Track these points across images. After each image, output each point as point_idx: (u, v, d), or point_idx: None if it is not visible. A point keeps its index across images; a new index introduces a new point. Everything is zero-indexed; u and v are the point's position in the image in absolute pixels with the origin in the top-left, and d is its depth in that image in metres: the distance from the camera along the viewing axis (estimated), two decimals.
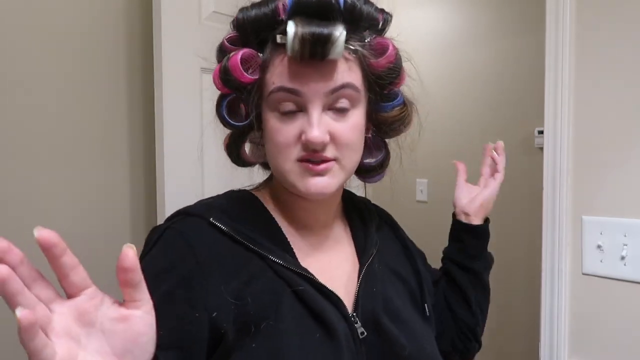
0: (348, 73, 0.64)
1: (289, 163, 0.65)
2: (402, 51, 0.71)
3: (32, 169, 1.11)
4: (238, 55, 0.65)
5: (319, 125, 0.62)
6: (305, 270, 0.66)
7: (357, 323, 0.68)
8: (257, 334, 0.61)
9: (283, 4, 0.63)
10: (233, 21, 0.70)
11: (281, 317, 0.62)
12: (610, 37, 1.09)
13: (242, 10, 0.68)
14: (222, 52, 0.70)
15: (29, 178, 1.11)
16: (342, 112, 0.65)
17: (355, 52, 0.65)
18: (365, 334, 0.68)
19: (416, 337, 0.72)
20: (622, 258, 1.07)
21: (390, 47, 0.68)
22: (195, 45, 1.22)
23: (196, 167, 1.23)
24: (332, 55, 0.61)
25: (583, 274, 1.14)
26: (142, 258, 0.67)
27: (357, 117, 0.67)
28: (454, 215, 0.95)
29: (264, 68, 0.65)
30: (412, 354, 0.69)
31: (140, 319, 0.50)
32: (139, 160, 1.29)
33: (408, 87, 0.76)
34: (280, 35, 0.63)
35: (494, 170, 0.97)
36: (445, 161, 2.56)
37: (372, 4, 0.67)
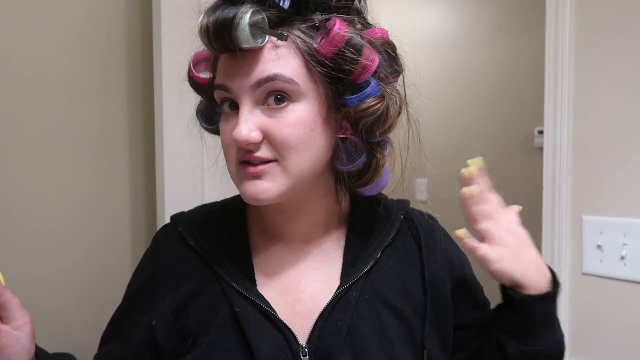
0: (277, 63, 0.56)
1: (232, 165, 0.60)
2: (358, 33, 0.59)
3: (32, 169, 1.11)
4: (194, 56, 0.64)
5: (245, 122, 0.56)
6: (253, 293, 0.62)
7: (305, 356, 0.60)
8: (193, 348, 0.61)
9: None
10: None
11: (216, 336, 0.61)
12: (610, 37, 1.09)
13: (206, 13, 0.61)
14: None
15: (29, 178, 1.11)
16: (276, 107, 0.57)
17: (283, 37, 0.55)
18: None
19: None
20: (622, 258, 1.07)
21: (336, 27, 0.56)
22: (196, 45, 1.22)
23: (196, 167, 1.23)
24: (241, 42, 0.53)
25: (583, 274, 1.14)
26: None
27: (298, 113, 0.57)
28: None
29: (214, 68, 0.61)
30: None
31: (7, 334, 0.60)
32: (139, 160, 1.29)
33: (398, 84, 0.69)
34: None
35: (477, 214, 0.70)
36: (446, 161, 2.56)
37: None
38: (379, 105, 0.60)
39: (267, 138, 0.57)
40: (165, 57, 1.16)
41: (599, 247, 1.10)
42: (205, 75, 0.63)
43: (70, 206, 1.17)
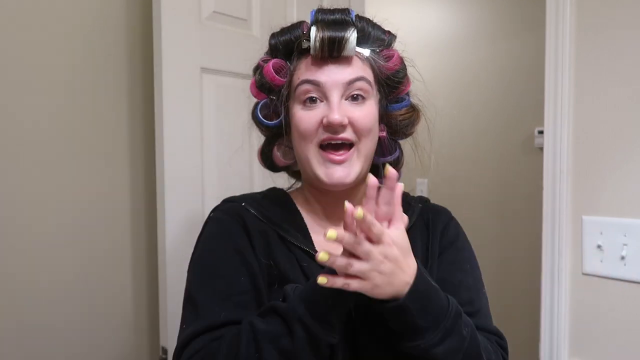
0: (362, 69, 0.78)
1: (312, 148, 0.76)
2: (406, 59, 0.85)
3: (31, 169, 1.11)
4: (270, 63, 0.79)
5: (338, 109, 0.74)
6: (314, 249, 0.78)
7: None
8: (276, 292, 0.74)
9: (307, 24, 0.79)
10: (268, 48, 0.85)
11: (297, 280, 0.75)
12: (610, 37, 1.09)
13: (273, 36, 0.82)
14: (256, 68, 0.84)
15: (29, 178, 1.11)
16: (357, 100, 0.77)
17: (366, 57, 0.79)
18: (356, 317, 0.74)
19: None
20: (622, 258, 1.07)
21: (396, 54, 0.83)
22: (196, 45, 1.22)
23: (196, 166, 1.23)
24: (346, 52, 0.75)
25: (583, 274, 1.14)
26: (201, 234, 0.84)
27: (371, 107, 0.78)
28: None
29: (292, 72, 0.79)
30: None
31: None
32: (139, 160, 1.29)
33: (416, 96, 0.87)
34: (305, 41, 0.77)
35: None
36: (445, 161, 2.56)
37: (379, 27, 0.83)
38: (411, 113, 0.85)
39: (351, 124, 0.75)
40: (165, 57, 1.16)
41: (599, 247, 1.10)
42: (283, 78, 0.80)
43: (70, 206, 1.17)
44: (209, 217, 0.85)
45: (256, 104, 0.84)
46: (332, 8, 0.79)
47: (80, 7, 1.18)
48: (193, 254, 0.83)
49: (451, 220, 0.89)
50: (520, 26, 2.30)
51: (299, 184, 0.93)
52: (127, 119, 1.26)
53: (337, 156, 0.76)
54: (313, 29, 0.75)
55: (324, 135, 0.75)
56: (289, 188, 0.93)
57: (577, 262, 1.14)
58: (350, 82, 0.76)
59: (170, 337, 1.17)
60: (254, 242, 0.78)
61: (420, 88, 0.88)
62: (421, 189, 2.65)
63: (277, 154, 0.86)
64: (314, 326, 0.65)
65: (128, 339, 1.27)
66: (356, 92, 0.77)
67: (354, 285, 0.63)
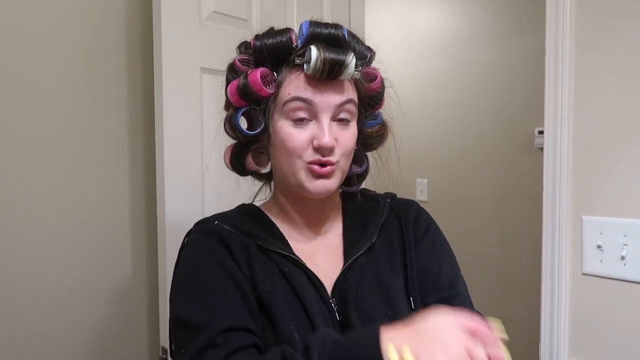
0: (351, 91, 0.79)
1: (299, 164, 0.77)
2: (385, 80, 0.86)
3: (31, 170, 1.11)
4: (257, 72, 0.77)
5: (329, 132, 0.76)
6: (293, 253, 0.80)
7: (335, 306, 0.78)
8: (259, 301, 0.76)
9: (295, 35, 0.78)
10: (241, 46, 0.85)
11: (273, 289, 0.76)
12: (610, 37, 1.09)
13: (258, 38, 0.80)
14: (234, 70, 0.82)
15: (29, 179, 1.11)
16: (345, 122, 0.79)
17: (355, 77, 0.80)
18: (341, 319, 0.78)
19: None
20: (622, 258, 1.07)
21: (379, 76, 0.84)
22: (195, 45, 1.22)
23: (196, 166, 1.23)
24: (343, 76, 0.76)
25: (583, 274, 1.14)
26: (178, 260, 0.82)
27: (354, 129, 0.81)
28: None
29: (279, 84, 0.78)
30: None
31: None
32: (139, 160, 1.29)
33: (388, 114, 0.91)
34: (300, 58, 0.76)
35: None
36: (445, 161, 2.57)
37: (363, 43, 0.83)
38: (383, 130, 0.89)
39: (337, 145, 0.77)
40: (165, 57, 1.16)
41: (599, 247, 1.10)
42: (269, 89, 0.78)
43: (70, 207, 1.17)
44: (184, 242, 0.84)
45: (234, 111, 0.81)
46: (325, 22, 0.78)
47: (81, 7, 1.18)
48: (174, 279, 0.82)
49: (420, 210, 0.93)
50: (520, 26, 2.30)
51: (261, 198, 0.94)
52: (127, 119, 1.26)
53: (323, 170, 0.77)
54: (314, 49, 0.73)
55: (313, 157, 0.77)
56: (260, 201, 0.93)
57: (577, 262, 1.14)
58: (341, 105, 0.77)
59: None
60: (235, 256, 0.78)
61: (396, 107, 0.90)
62: (421, 189, 2.66)
63: (250, 160, 0.85)
64: None
65: (128, 339, 1.27)
66: (344, 115, 0.78)
67: None
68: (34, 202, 1.11)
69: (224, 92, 0.85)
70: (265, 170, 0.89)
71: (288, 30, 0.79)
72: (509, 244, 2.36)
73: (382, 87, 0.85)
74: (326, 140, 0.75)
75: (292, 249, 0.82)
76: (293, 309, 0.76)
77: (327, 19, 1.62)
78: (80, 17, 1.18)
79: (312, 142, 0.76)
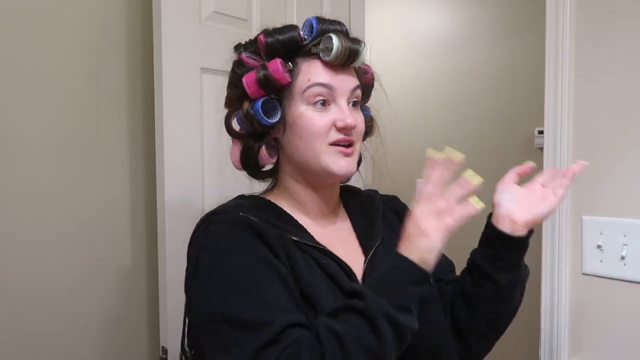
0: (357, 78, 0.86)
1: (323, 146, 0.81)
2: (375, 74, 0.94)
3: (31, 169, 1.11)
4: (277, 62, 0.81)
5: (349, 113, 0.82)
6: (325, 247, 0.82)
7: None
8: (303, 289, 0.76)
9: (301, 31, 0.84)
10: (243, 46, 0.89)
11: (315, 282, 0.77)
12: (610, 37, 1.09)
13: (269, 34, 0.84)
14: (243, 65, 0.86)
15: (29, 179, 1.11)
16: (355, 106, 0.86)
17: (357, 69, 0.87)
18: None
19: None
20: (622, 258, 1.07)
21: (371, 70, 0.93)
22: (195, 45, 1.22)
23: (196, 166, 1.23)
24: (357, 63, 0.84)
25: (583, 274, 1.14)
26: (198, 257, 0.78)
27: (361, 114, 0.88)
28: (491, 216, 0.88)
29: (295, 73, 0.83)
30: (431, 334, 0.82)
31: None
32: (139, 160, 1.29)
33: (377, 111, 0.97)
34: (316, 47, 0.82)
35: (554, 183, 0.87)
36: None
37: (357, 39, 0.87)
38: (371, 122, 0.95)
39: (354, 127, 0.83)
40: (165, 57, 1.16)
41: (599, 247, 1.10)
42: (288, 78, 0.82)
43: (70, 207, 1.17)
44: (205, 234, 0.80)
45: (251, 103, 0.83)
46: (329, 19, 0.85)
47: (81, 7, 1.18)
48: (199, 275, 0.76)
49: (405, 203, 1.01)
50: (520, 26, 2.30)
51: (258, 188, 0.95)
52: (127, 119, 1.26)
53: (348, 150, 0.83)
54: (335, 38, 0.80)
55: (338, 136, 0.82)
56: (263, 193, 0.93)
57: (577, 262, 1.14)
58: (354, 90, 0.84)
59: (170, 337, 1.17)
60: (274, 249, 0.77)
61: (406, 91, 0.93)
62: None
63: (264, 153, 0.86)
64: (397, 317, 0.67)
65: (128, 339, 1.27)
66: (355, 99, 0.85)
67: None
68: (33, 202, 1.11)
69: (226, 91, 0.88)
70: (268, 166, 0.90)
71: (295, 26, 0.85)
72: None
73: (373, 80, 0.93)
74: (350, 120, 0.81)
75: (315, 239, 0.83)
76: (337, 300, 0.75)
77: None
78: (80, 17, 1.18)
79: (333, 124, 0.81)
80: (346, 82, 0.83)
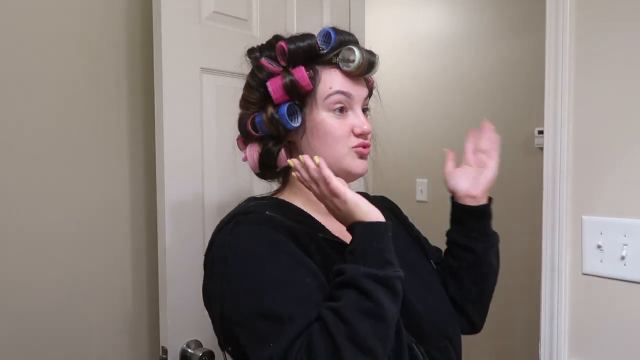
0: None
1: (343, 149, 0.88)
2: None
3: (31, 169, 1.11)
4: (302, 70, 0.86)
5: (365, 119, 0.90)
6: (345, 242, 0.84)
7: None
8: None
9: (317, 40, 0.89)
10: (259, 50, 0.92)
11: None
12: (610, 37, 1.09)
13: (291, 41, 0.87)
14: (262, 69, 0.89)
15: (28, 178, 1.11)
16: (366, 112, 0.93)
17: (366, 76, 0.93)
18: None
19: (428, 287, 0.95)
20: (622, 258, 1.07)
21: (372, 78, 0.97)
22: (196, 45, 1.22)
23: (196, 165, 1.23)
24: (371, 73, 0.91)
25: (583, 274, 1.14)
26: (226, 257, 0.80)
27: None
28: (454, 199, 1.03)
29: (317, 81, 0.87)
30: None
31: None
32: (139, 160, 1.29)
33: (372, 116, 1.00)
34: (336, 57, 0.88)
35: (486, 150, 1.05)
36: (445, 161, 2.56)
37: (372, 51, 0.92)
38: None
39: None
40: (165, 57, 1.16)
41: (599, 247, 1.10)
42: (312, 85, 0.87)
43: (70, 207, 1.17)
44: (232, 233, 0.82)
45: (276, 108, 0.87)
46: (344, 30, 0.90)
47: (81, 7, 1.18)
48: (232, 269, 0.79)
49: (393, 202, 1.11)
50: (520, 26, 2.30)
51: (258, 188, 0.99)
52: (127, 119, 1.26)
53: (365, 151, 0.90)
54: (357, 51, 0.86)
55: (357, 142, 0.89)
56: (273, 194, 0.96)
57: (577, 262, 1.14)
58: (366, 97, 0.92)
59: (170, 337, 1.17)
60: (305, 247, 0.80)
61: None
62: (421, 189, 2.65)
63: (283, 155, 0.90)
64: (379, 272, 0.72)
65: (128, 339, 1.27)
66: (365, 106, 0.93)
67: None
68: (33, 202, 1.12)
69: (242, 92, 0.92)
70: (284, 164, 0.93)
71: (311, 34, 0.90)
72: (509, 244, 2.36)
73: (374, 86, 0.99)
74: (367, 126, 0.89)
75: (338, 237, 0.88)
76: None
77: (327, 19, 1.63)
78: (80, 17, 1.18)
79: (352, 130, 0.88)
80: (361, 91, 0.90)
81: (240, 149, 0.96)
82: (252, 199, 0.94)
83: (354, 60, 0.86)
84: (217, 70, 1.27)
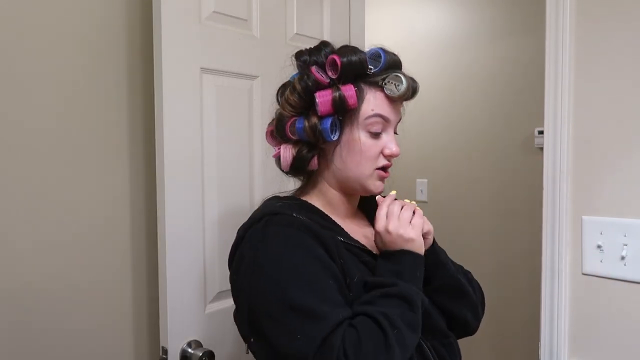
0: None
1: (369, 170, 0.93)
2: None
3: (31, 170, 1.11)
4: (352, 88, 0.89)
5: (397, 143, 0.94)
6: (365, 246, 0.94)
7: None
8: (351, 286, 0.87)
9: (366, 58, 0.91)
10: (311, 53, 0.94)
11: (361, 279, 0.88)
12: (610, 37, 1.09)
13: (343, 54, 0.90)
14: (311, 78, 0.91)
15: (28, 179, 1.11)
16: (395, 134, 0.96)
17: None
18: None
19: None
20: (622, 258, 1.07)
21: None
22: (196, 45, 1.22)
23: (196, 165, 1.23)
24: (412, 98, 0.94)
25: (583, 274, 1.14)
26: (256, 255, 0.86)
27: None
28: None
29: (361, 99, 0.90)
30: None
31: None
32: (139, 160, 1.29)
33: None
34: (382, 80, 0.91)
35: None
36: (445, 161, 2.57)
37: (413, 78, 0.96)
38: None
39: None
40: (165, 57, 1.16)
41: (599, 247, 1.10)
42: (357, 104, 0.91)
43: (70, 207, 1.17)
44: (263, 233, 0.87)
45: (320, 119, 0.90)
46: (392, 51, 0.93)
47: (81, 7, 1.18)
48: (262, 265, 0.84)
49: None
50: (520, 26, 2.30)
51: (287, 190, 1.03)
52: (127, 119, 1.26)
53: (386, 175, 0.95)
54: (404, 79, 0.90)
55: (384, 162, 0.93)
56: (296, 193, 1.01)
57: (577, 262, 1.14)
58: (399, 121, 0.97)
59: (170, 337, 1.17)
60: (329, 249, 0.86)
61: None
62: (421, 189, 2.66)
63: (315, 161, 0.94)
64: (422, 295, 0.86)
65: (128, 339, 1.27)
66: (397, 130, 0.97)
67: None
68: (33, 202, 1.11)
69: (285, 92, 0.94)
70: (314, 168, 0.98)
71: (362, 50, 0.92)
72: (509, 244, 2.36)
73: None
74: (396, 149, 0.93)
75: (358, 241, 0.95)
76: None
77: (327, 19, 1.62)
78: (80, 17, 1.18)
79: (382, 151, 0.92)
80: (397, 115, 0.94)
81: (270, 143, 1.00)
82: (276, 198, 0.98)
83: (400, 89, 0.90)
84: (217, 70, 1.27)
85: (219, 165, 1.28)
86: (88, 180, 1.20)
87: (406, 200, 0.94)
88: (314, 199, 0.98)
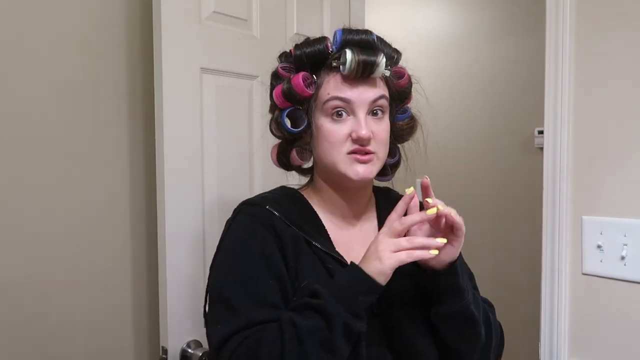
0: (383, 88, 0.89)
1: (340, 156, 0.87)
2: (413, 77, 0.96)
3: (31, 170, 1.11)
4: (299, 76, 0.87)
5: (365, 125, 0.85)
6: (336, 251, 0.89)
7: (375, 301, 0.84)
8: (298, 289, 0.85)
9: (330, 42, 0.88)
10: (281, 56, 0.94)
11: (311, 281, 0.84)
12: (610, 37, 1.09)
13: (298, 47, 0.90)
14: (277, 77, 0.92)
15: (28, 179, 1.11)
16: (377, 115, 0.89)
17: (385, 75, 0.89)
18: (376, 312, 0.88)
19: (411, 330, 0.91)
20: (622, 258, 1.07)
21: (406, 74, 0.94)
22: (196, 45, 1.22)
23: (196, 165, 1.23)
24: (375, 74, 0.86)
25: (583, 274, 1.14)
26: (223, 239, 0.91)
27: (387, 122, 0.91)
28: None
29: (318, 86, 0.88)
30: (409, 339, 0.90)
31: None
32: (139, 160, 1.29)
33: (415, 107, 0.99)
34: (336, 61, 0.86)
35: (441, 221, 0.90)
36: (445, 161, 2.56)
37: (390, 45, 0.92)
38: (412, 122, 0.98)
39: (374, 137, 0.87)
40: (165, 57, 1.16)
41: (598, 247, 1.10)
42: (310, 91, 0.88)
43: (70, 207, 1.17)
44: (233, 220, 0.92)
45: (280, 112, 0.91)
46: (356, 29, 0.88)
47: (80, 7, 1.18)
48: (218, 254, 0.91)
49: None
50: (520, 26, 2.30)
51: (302, 182, 1.02)
52: (127, 119, 1.26)
53: (364, 158, 0.87)
54: (348, 52, 0.83)
55: (353, 147, 0.86)
56: (301, 187, 1.01)
57: (577, 262, 1.14)
58: (374, 100, 0.87)
59: (170, 337, 1.17)
60: (285, 248, 0.86)
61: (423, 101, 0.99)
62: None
63: (295, 155, 0.94)
64: (349, 319, 0.77)
65: (128, 338, 1.27)
66: (377, 109, 0.88)
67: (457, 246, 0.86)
68: (33, 202, 1.11)
69: (268, 98, 0.95)
70: (307, 164, 0.99)
71: (324, 38, 0.89)
72: (509, 244, 2.36)
73: (410, 83, 0.95)
74: (363, 132, 0.85)
75: (332, 242, 0.91)
76: None
77: (327, 19, 1.62)
78: (79, 17, 1.18)
79: (350, 135, 0.86)
80: (365, 94, 0.86)
81: None
82: (282, 188, 0.99)
83: (344, 63, 0.84)
84: (217, 70, 1.27)
85: (219, 165, 1.28)
86: (88, 180, 1.20)
87: (433, 202, 0.86)
88: (312, 195, 0.97)
